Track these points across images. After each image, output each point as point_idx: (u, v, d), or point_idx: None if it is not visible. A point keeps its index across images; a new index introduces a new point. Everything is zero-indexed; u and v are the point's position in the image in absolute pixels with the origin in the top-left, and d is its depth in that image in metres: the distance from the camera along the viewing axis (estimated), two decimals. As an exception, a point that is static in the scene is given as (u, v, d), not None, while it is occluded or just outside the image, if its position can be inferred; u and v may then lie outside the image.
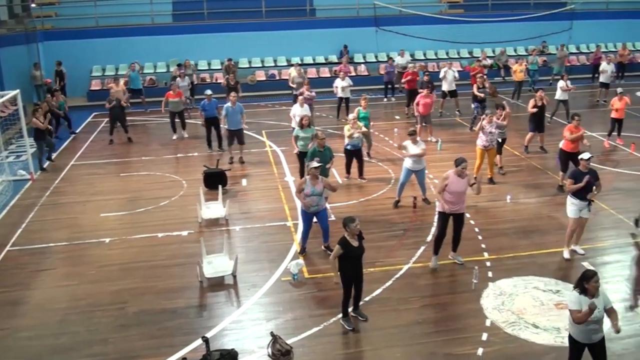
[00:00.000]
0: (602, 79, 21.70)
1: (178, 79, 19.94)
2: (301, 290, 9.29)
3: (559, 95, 18.34)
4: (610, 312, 6.50)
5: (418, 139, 12.15)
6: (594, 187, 9.82)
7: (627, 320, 8.43)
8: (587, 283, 6.34)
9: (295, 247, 10.66)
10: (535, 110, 15.27)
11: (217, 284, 9.47)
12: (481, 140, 13.30)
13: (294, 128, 15.47)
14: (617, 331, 6.53)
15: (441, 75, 20.19)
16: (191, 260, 10.03)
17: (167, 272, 9.88)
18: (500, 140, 13.95)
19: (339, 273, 8.00)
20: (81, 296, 9.20)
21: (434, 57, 26.94)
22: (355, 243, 7.87)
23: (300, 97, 15.91)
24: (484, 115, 13.65)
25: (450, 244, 9.99)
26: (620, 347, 7.82)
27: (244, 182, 14.18)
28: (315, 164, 9.92)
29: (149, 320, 8.54)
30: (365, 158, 14.89)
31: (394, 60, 22.80)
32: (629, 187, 13.50)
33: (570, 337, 6.69)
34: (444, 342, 7.97)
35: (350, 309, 8.36)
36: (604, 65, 21.58)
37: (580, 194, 9.83)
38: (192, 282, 9.52)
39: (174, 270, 9.94)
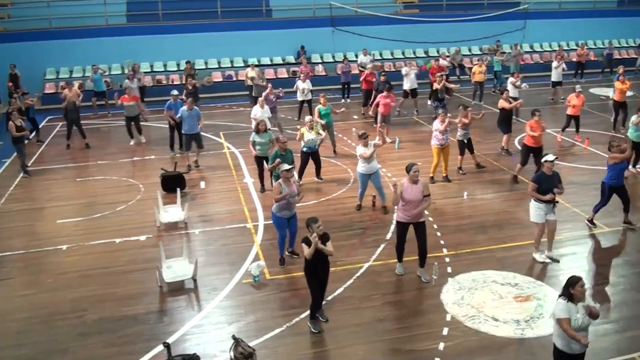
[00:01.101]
0: (554, 77, 22.14)
1: (127, 80, 19.64)
2: (263, 292, 9.25)
3: (511, 92, 18.65)
4: (592, 308, 6.21)
5: (370, 141, 11.96)
6: (556, 189, 9.68)
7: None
8: (572, 289, 6.14)
9: (256, 248, 10.61)
10: (509, 106, 15.47)
11: (177, 288, 9.35)
12: (436, 140, 13.47)
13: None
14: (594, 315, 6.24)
15: (404, 72, 20.33)
16: (150, 265, 9.88)
17: (126, 278, 9.71)
18: (465, 140, 14.16)
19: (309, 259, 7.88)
20: (40, 305, 8.98)
21: (390, 57, 27.16)
22: (315, 240, 7.79)
23: (260, 99, 15.86)
24: (436, 115, 13.89)
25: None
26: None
27: (202, 184, 14.04)
28: (287, 166, 9.94)
29: (109, 327, 8.38)
30: (331, 155, 15.07)
31: (349, 60, 22.95)
32: (583, 181, 13.88)
33: (555, 349, 6.39)
34: (406, 338, 8.05)
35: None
36: (555, 64, 22.10)
37: (544, 195, 9.71)
38: (151, 288, 9.38)
39: (133, 276, 9.77)
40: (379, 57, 26.48)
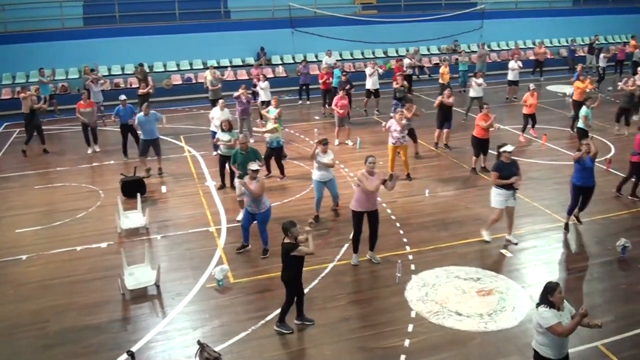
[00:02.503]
0: (510, 77, 22.51)
1: (90, 83, 19.28)
2: (227, 296, 9.18)
3: (473, 92, 18.96)
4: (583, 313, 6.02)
5: (329, 150, 11.90)
6: (517, 176, 10.27)
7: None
8: (551, 296, 6.07)
9: (219, 252, 10.53)
10: (440, 102, 15.83)
11: (140, 295, 9.20)
12: (392, 138, 13.62)
13: (212, 131, 15.37)
14: (600, 325, 6.22)
15: (368, 72, 20.41)
16: (112, 272, 9.71)
17: (88, 287, 9.51)
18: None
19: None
20: (1, 318, 8.73)
21: (350, 57, 27.30)
22: (304, 234, 7.90)
23: (221, 101, 15.75)
24: (393, 113, 14.04)
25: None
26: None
27: (163, 189, 13.86)
28: (255, 166, 10.04)
29: (72, 338, 8.20)
30: (295, 157, 15.17)
31: (308, 62, 23.01)
32: (541, 176, 14.20)
33: (542, 358, 6.23)
34: (371, 337, 8.09)
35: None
36: (511, 64, 22.52)
37: (505, 185, 10.26)
38: (114, 296, 9.22)
39: (95, 284, 9.58)
40: (339, 58, 26.58)
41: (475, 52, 26.79)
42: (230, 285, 9.47)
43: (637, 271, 9.77)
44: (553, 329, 5.95)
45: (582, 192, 10.99)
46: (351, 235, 10.13)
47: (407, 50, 27.06)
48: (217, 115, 15.18)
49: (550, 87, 24.46)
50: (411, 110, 14.46)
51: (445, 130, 16.22)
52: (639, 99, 18.00)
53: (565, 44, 30.32)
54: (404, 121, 13.54)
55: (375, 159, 9.73)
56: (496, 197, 10.42)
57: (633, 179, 12.64)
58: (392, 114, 14.23)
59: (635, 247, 10.36)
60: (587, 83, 18.18)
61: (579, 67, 20.10)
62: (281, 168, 14.22)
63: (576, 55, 28.33)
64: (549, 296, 6.07)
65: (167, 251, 10.76)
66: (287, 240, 7.84)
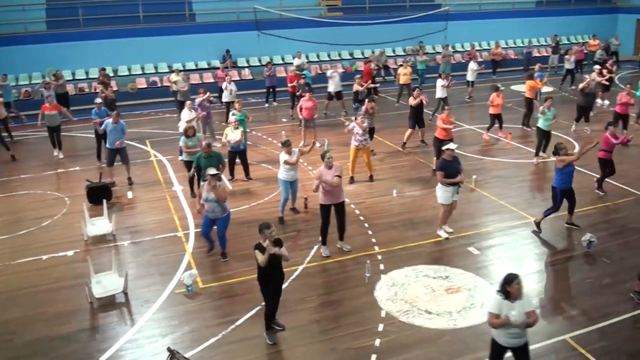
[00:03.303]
0: (469, 77, 23.03)
1: (43, 88, 18.96)
2: (196, 301, 9.11)
3: (439, 93, 19.14)
4: (530, 315, 6.30)
5: (294, 149, 11.97)
6: (460, 172, 10.64)
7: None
8: (509, 286, 6.27)
9: (188, 257, 10.44)
10: (416, 104, 15.94)
11: (109, 303, 9.06)
12: (355, 140, 13.71)
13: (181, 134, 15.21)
14: (527, 325, 6.34)
15: (328, 74, 20.49)
16: (80, 281, 9.53)
17: (56, 296, 9.33)
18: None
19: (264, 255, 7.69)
20: (-35, 331, 8.50)
21: (316, 59, 27.36)
22: (270, 247, 7.66)
23: (188, 103, 15.63)
24: (357, 116, 14.13)
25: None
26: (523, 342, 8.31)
27: (129, 194, 13.68)
28: (213, 170, 9.92)
29: (40, 349, 8.03)
30: (262, 160, 15.07)
31: (274, 64, 23.02)
32: (507, 174, 14.44)
33: (493, 342, 6.59)
34: (342, 337, 8.11)
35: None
36: (472, 64, 22.95)
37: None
38: (82, 304, 9.05)
39: (62, 294, 9.40)
40: (306, 60, 26.60)
41: (440, 53, 27.12)
42: (200, 291, 9.39)
43: (603, 265, 10.02)
44: (489, 316, 6.37)
45: (565, 195, 11.04)
46: (319, 230, 10.23)
47: (372, 52, 27.29)
48: (187, 117, 15.06)
49: (515, 87, 24.84)
50: (373, 110, 14.81)
51: (421, 130, 16.47)
52: (593, 96, 18.46)
53: (533, 44, 30.86)
54: (365, 124, 13.70)
55: (332, 155, 10.18)
56: (443, 193, 10.74)
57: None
58: (354, 117, 14.30)
59: (601, 241, 10.63)
60: (539, 82, 18.74)
61: (537, 66, 20.66)
62: (247, 170, 14.15)
63: (532, 55, 28.79)
64: (507, 286, 6.31)
65: (135, 257, 10.62)
66: (260, 241, 7.78)
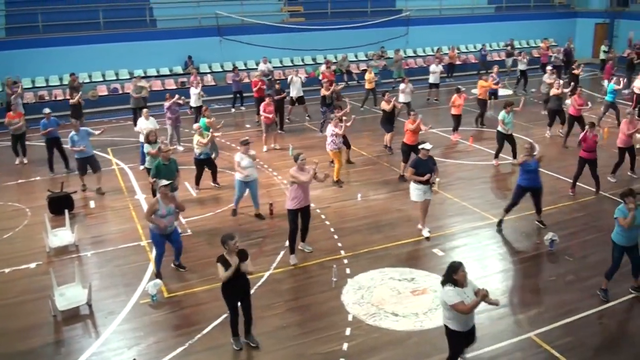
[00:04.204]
0: (431, 79, 23.40)
1: (17, 98, 18.58)
2: (161, 311, 9.00)
3: (402, 98, 19.31)
4: (480, 292, 6.59)
5: (250, 150, 12.05)
6: (434, 172, 10.81)
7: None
8: (455, 274, 6.55)
9: (152, 267, 10.28)
10: (389, 107, 16.02)
11: (72, 315, 8.88)
12: (333, 144, 13.76)
13: (141, 143, 15.05)
14: (497, 303, 6.96)
15: (289, 80, 20.52)
16: (43, 294, 9.31)
17: (18, 310, 9.09)
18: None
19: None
20: None
21: (280, 64, 27.38)
22: (234, 260, 7.51)
23: (144, 110, 15.47)
24: (332, 118, 14.19)
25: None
26: (475, 323, 8.42)
27: (92, 203, 13.46)
28: (165, 182, 9.64)
29: (2, 366, 7.85)
30: (226, 167, 14.94)
31: (239, 69, 22.97)
32: (469, 176, 14.68)
33: (451, 331, 6.80)
34: (310, 342, 8.12)
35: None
36: (433, 67, 23.32)
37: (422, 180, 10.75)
38: (46, 318, 8.84)
39: (25, 307, 9.16)
40: (271, 66, 26.61)
41: (398, 57, 27.43)
42: (165, 300, 9.28)
43: (565, 263, 10.25)
44: (456, 307, 6.49)
45: (530, 193, 11.36)
46: (287, 238, 10.22)
47: (335, 57, 27.44)
48: (144, 125, 14.90)
49: (475, 90, 25.17)
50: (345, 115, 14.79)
51: (392, 134, 16.52)
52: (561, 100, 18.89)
53: (489, 48, 31.43)
54: (341, 124, 13.83)
55: (304, 155, 10.08)
56: (415, 191, 10.96)
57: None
58: (329, 120, 14.38)
59: (563, 240, 10.87)
60: (490, 82, 19.34)
61: (495, 68, 21.23)
62: (214, 175, 14.06)
63: (487, 59, 29.34)
64: (453, 275, 6.57)
65: (98, 268, 10.44)
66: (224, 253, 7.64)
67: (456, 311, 6.52)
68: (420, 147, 11.00)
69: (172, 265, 10.11)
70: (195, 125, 14.01)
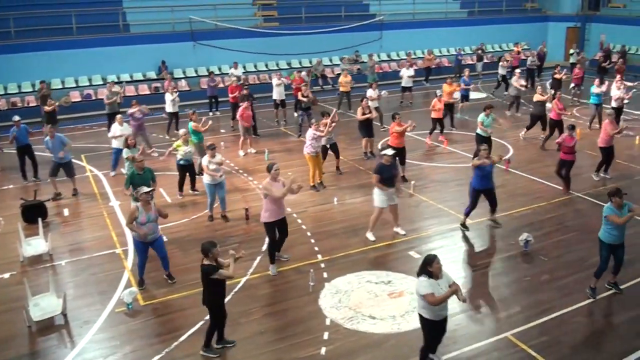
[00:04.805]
0: (403, 83, 23.71)
1: None
2: (138, 320, 8.92)
3: (376, 103, 19.38)
4: (453, 285, 6.94)
5: (217, 154, 12.19)
6: (396, 177, 11.02)
7: (457, 298, 9.20)
8: (430, 267, 6.84)
9: (127, 274, 10.21)
10: (364, 117, 16.00)
11: (47, 326, 8.75)
12: (311, 148, 13.77)
13: (114, 149, 14.92)
14: (464, 300, 7.12)
15: (275, 83, 20.47)
16: (17, 304, 9.18)
17: (-8, 322, 8.94)
18: (328, 145, 14.71)
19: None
20: None
21: (254, 69, 27.35)
22: (227, 259, 7.67)
23: (118, 116, 15.35)
24: (311, 123, 14.22)
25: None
26: (452, 323, 8.49)
27: (65, 211, 13.28)
28: (145, 188, 9.55)
29: (-25, 380, 7.70)
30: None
31: (215, 74, 22.92)
32: (444, 179, 14.82)
33: (424, 319, 7.08)
34: (288, 348, 8.12)
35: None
36: (403, 71, 23.56)
37: (387, 185, 10.90)
38: (20, 329, 8.70)
39: (-1, 319, 9.03)
40: (243, 70, 26.58)
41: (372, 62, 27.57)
42: (141, 308, 9.20)
43: (540, 263, 10.40)
44: (426, 298, 6.80)
45: (484, 194, 11.56)
46: (265, 247, 10.19)
47: (310, 62, 27.50)
48: (118, 131, 14.77)
49: (456, 95, 25.41)
50: (327, 122, 14.56)
51: (369, 140, 16.47)
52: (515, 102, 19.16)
53: (463, 52, 31.75)
54: (323, 128, 13.89)
55: (278, 165, 9.93)
56: (379, 196, 11.03)
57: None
58: (309, 124, 14.40)
59: (537, 240, 11.04)
60: (455, 86, 19.78)
61: (466, 72, 21.54)
62: (193, 182, 14.00)
63: (462, 63, 29.68)
64: (428, 267, 6.86)
65: (73, 277, 10.31)
66: (206, 262, 7.54)
67: (426, 302, 6.80)
68: (382, 153, 11.18)
69: (164, 276, 9.94)
70: (182, 131, 13.87)
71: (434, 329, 7.17)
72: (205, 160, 11.97)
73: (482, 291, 9.61)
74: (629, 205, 8.87)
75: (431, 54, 28.68)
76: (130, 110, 16.59)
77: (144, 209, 9.34)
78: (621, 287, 9.39)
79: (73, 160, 14.37)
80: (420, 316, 7.13)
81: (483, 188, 11.47)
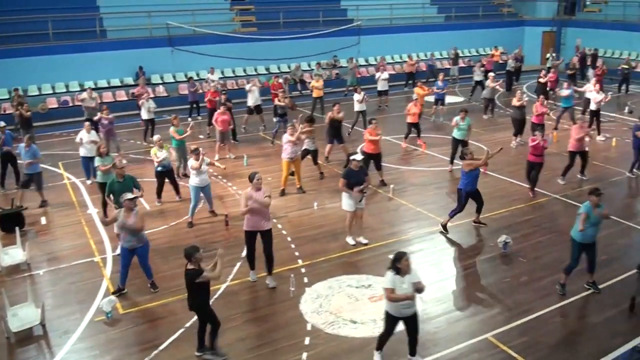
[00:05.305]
0: (379, 87, 23.83)
1: None
2: (117, 328, 8.84)
3: (357, 107, 19.47)
4: (417, 284, 7.23)
5: (202, 156, 12.22)
6: (365, 182, 11.04)
7: (437, 300, 9.35)
8: (399, 263, 7.11)
9: (106, 282, 10.12)
10: (333, 118, 16.02)
11: (26, 337, 8.63)
12: (286, 153, 13.78)
13: (83, 157, 14.75)
14: (419, 291, 7.28)
15: (247, 88, 20.45)
16: (-6, 315, 9.06)
17: (-31, 334, 8.78)
18: (311, 149, 14.80)
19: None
20: None
21: (232, 74, 27.29)
22: (212, 262, 7.70)
23: (86, 123, 15.22)
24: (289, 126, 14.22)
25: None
26: (433, 326, 8.64)
27: (43, 220, 13.10)
28: (130, 195, 9.52)
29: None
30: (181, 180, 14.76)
31: (195, 80, 22.86)
32: (423, 182, 14.93)
33: (385, 311, 7.43)
34: (269, 354, 8.12)
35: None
36: (378, 75, 23.79)
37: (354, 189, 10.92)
38: (-2, 340, 8.58)
39: (-24, 330, 8.87)
40: (221, 75, 26.51)
41: (352, 66, 27.65)
42: (120, 317, 9.12)
43: (519, 264, 10.55)
44: (385, 291, 7.16)
45: (471, 196, 11.74)
46: (244, 254, 10.13)
47: (289, 67, 27.52)
48: (85, 138, 14.64)
49: (429, 98, 25.63)
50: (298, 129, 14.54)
51: (340, 145, 16.33)
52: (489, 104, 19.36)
53: (439, 56, 32.05)
54: (303, 136, 13.90)
55: (260, 174, 9.75)
56: (347, 201, 11.10)
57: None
58: (282, 130, 14.42)
59: (516, 242, 11.20)
60: (427, 90, 20.26)
61: (440, 76, 21.92)
62: (176, 188, 13.93)
63: (435, 67, 29.87)
64: (397, 263, 7.16)
65: (51, 286, 10.19)
66: (190, 267, 7.53)
67: (385, 295, 7.17)
68: (351, 157, 11.27)
69: (148, 285, 9.86)
70: (156, 137, 13.79)
71: (388, 323, 7.48)
72: (191, 161, 12.15)
73: (462, 293, 9.70)
74: (602, 207, 9.07)
75: (412, 59, 28.77)
76: (95, 118, 16.51)
77: (124, 215, 9.32)
78: (599, 287, 9.56)
79: (50, 168, 14.16)
80: (385, 312, 7.48)
81: (472, 190, 11.62)
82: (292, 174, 14.36)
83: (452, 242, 11.58)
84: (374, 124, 14.24)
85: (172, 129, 14.91)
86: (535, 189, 13.82)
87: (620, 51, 30.86)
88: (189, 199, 12.55)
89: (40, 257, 11.29)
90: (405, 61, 30.24)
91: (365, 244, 11.30)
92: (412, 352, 7.71)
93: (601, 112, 18.91)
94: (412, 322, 7.45)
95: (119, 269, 10.21)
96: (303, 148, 14.53)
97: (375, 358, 7.85)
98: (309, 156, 15.05)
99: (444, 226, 11.87)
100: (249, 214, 9.52)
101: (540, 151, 13.31)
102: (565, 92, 19.24)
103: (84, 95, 19.31)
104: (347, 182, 10.90)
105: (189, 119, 22.14)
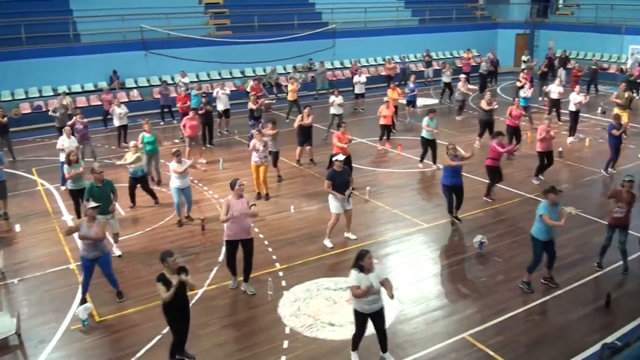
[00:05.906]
0: (356, 90, 23.98)
1: None
2: (93, 336, 8.74)
3: (333, 109, 19.49)
4: (385, 282, 7.38)
5: (183, 159, 12.41)
6: (349, 183, 11.21)
7: (414, 301, 9.43)
8: (362, 261, 7.26)
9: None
10: (301, 124, 16.07)
11: (1, 347, 8.47)
12: (254, 157, 13.76)
13: (61, 162, 14.61)
14: (391, 297, 7.34)
15: (214, 94, 20.42)
16: (-32, 326, 8.90)
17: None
18: (274, 150, 14.83)
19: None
20: None
21: (207, 78, 27.18)
22: (175, 280, 7.38)
23: (66, 128, 15.05)
24: (254, 131, 14.21)
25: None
26: (410, 327, 8.72)
27: (17, 227, 12.92)
28: (92, 204, 9.38)
29: None
30: (155, 187, 14.63)
31: (168, 84, 22.71)
32: (399, 184, 15.03)
33: (354, 310, 7.57)
34: (248, 358, 8.11)
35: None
36: (356, 78, 23.93)
37: (340, 190, 11.02)
38: (-28, 351, 8.44)
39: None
40: (196, 79, 26.39)
41: (329, 69, 27.77)
42: (96, 325, 9.02)
43: (495, 264, 10.69)
44: (351, 289, 7.27)
45: (454, 191, 12.09)
46: (220, 259, 10.12)
47: (264, 70, 27.48)
48: (66, 143, 14.47)
49: (402, 100, 25.80)
50: (272, 129, 14.75)
51: (307, 148, 16.46)
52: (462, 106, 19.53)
53: (414, 59, 32.27)
54: (265, 138, 13.81)
55: (242, 180, 9.68)
56: (333, 203, 11.17)
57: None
58: (253, 131, 14.37)
59: (491, 242, 11.35)
60: (399, 92, 20.65)
61: (412, 78, 22.35)
62: (152, 194, 13.84)
63: (409, 70, 30.07)
64: (360, 261, 7.30)
65: (26, 295, 10.03)
66: (163, 271, 7.51)
67: (351, 293, 7.27)
68: (334, 159, 11.36)
69: (117, 299, 9.72)
70: (132, 143, 13.68)
71: (358, 322, 7.62)
72: (173, 164, 12.17)
73: (438, 293, 9.79)
74: (559, 205, 9.36)
75: (391, 62, 28.94)
76: (69, 122, 16.36)
77: (87, 224, 9.19)
78: (572, 285, 9.74)
79: (23, 174, 13.94)
80: (354, 310, 7.61)
81: (455, 184, 12.00)
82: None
83: (429, 243, 11.69)
84: (343, 128, 14.33)
85: (141, 135, 14.67)
86: (508, 188, 14.03)
87: (592, 53, 31.35)
88: (168, 203, 12.47)
89: (15, 265, 11.10)
90: (380, 64, 30.40)
91: (354, 239, 11.54)
92: (384, 349, 7.82)
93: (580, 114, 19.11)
94: (378, 317, 7.56)
95: (95, 275, 9.93)
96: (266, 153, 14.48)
97: (352, 359, 7.89)
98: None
99: (455, 219, 12.29)
100: (230, 223, 9.39)
101: (498, 155, 13.48)
102: (524, 93, 19.55)
103: (55, 104, 19.04)
104: (332, 183, 10.95)
105: (161, 123, 22.03)
